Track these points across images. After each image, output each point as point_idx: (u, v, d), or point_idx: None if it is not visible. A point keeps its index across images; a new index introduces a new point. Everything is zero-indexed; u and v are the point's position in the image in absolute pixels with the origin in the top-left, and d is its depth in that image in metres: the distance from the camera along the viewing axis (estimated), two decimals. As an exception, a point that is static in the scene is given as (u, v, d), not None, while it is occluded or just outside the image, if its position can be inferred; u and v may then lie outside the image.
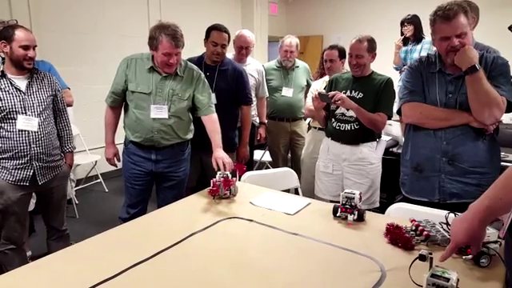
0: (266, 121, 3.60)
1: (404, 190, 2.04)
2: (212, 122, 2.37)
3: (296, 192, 2.48)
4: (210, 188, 1.95)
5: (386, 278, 1.25)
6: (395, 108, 2.23)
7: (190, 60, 2.58)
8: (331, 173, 2.59)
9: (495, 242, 1.30)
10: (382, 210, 2.15)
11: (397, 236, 1.47)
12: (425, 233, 1.45)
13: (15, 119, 2.12)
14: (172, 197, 2.29)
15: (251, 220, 1.72)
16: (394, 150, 3.11)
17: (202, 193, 2.05)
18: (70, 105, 2.70)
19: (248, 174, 2.35)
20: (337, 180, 2.58)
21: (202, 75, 2.43)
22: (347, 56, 2.53)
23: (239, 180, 2.15)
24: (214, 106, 2.44)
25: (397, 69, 4.39)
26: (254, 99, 3.44)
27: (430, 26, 1.84)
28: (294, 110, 3.70)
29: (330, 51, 3.10)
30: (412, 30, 4.14)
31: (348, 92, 2.47)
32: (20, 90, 2.15)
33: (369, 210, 2.05)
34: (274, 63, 3.75)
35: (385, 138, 2.90)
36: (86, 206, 3.96)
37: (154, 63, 2.26)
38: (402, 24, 4.22)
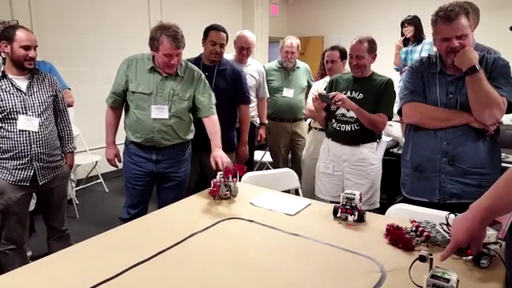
0: (267, 121, 3.61)
1: (404, 190, 2.04)
2: (212, 124, 2.38)
3: (296, 193, 2.48)
4: (211, 189, 1.95)
5: (386, 279, 1.25)
6: (396, 108, 2.24)
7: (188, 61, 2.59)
8: (331, 173, 2.59)
9: (495, 242, 1.30)
10: (382, 210, 2.15)
11: (397, 237, 1.47)
12: (425, 234, 1.45)
13: (16, 119, 2.12)
14: (173, 197, 2.29)
15: (251, 220, 1.72)
16: (395, 150, 3.12)
17: (203, 193, 2.05)
18: (70, 105, 2.71)
19: (248, 174, 2.35)
20: (337, 181, 2.58)
21: (203, 76, 2.43)
22: (348, 57, 2.53)
23: (240, 180, 2.15)
24: (214, 107, 2.45)
25: (397, 69, 4.39)
26: (254, 100, 3.45)
27: (431, 27, 1.84)
28: (294, 110, 3.70)
29: (331, 52, 3.10)
30: (412, 31, 4.15)
31: (348, 93, 2.47)
32: (21, 91, 2.15)
33: (369, 210, 2.06)
34: (275, 64, 3.75)
35: (385, 138, 2.90)
36: (86, 207, 3.96)
37: (154, 63, 2.27)
38: (403, 25, 4.23)
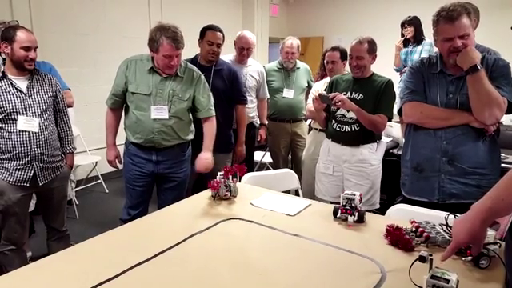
0: (267, 122, 3.61)
1: (404, 190, 2.04)
2: (210, 126, 2.41)
3: (296, 193, 2.48)
4: (211, 184, 1.95)
5: (386, 280, 1.25)
6: (396, 109, 2.24)
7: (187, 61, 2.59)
8: (331, 174, 2.59)
9: (495, 243, 1.30)
10: (382, 211, 2.15)
11: (397, 237, 1.47)
12: (425, 234, 1.45)
13: (16, 120, 2.12)
14: (173, 198, 2.30)
15: (252, 221, 1.72)
16: (395, 151, 3.11)
17: (203, 194, 2.05)
18: (70, 105, 2.71)
19: (248, 175, 2.35)
20: (337, 181, 2.58)
21: (202, 76, 2.44)
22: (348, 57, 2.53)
23: (240, 181, 2.15)
24: (213, 108, 2.45)
25: (397, 70, 4.39)
26: (254, 100, 3.45)
27: (432, 27, 1.84)
28: (294, 111, 3.70)
29: (332, 53, 3.10)
30: (412, 32, 4.15)
31: (348, 93, 2.47)
32: (21, 91, 2.15)
33: (369, 211, 2.05)
34: (275, 64, 3.76)
35: (385, 139, 2.91)
36: (86, 207, 3.96)
37: (153, 64, 2.27)
38: (403, 25, 4.23)
